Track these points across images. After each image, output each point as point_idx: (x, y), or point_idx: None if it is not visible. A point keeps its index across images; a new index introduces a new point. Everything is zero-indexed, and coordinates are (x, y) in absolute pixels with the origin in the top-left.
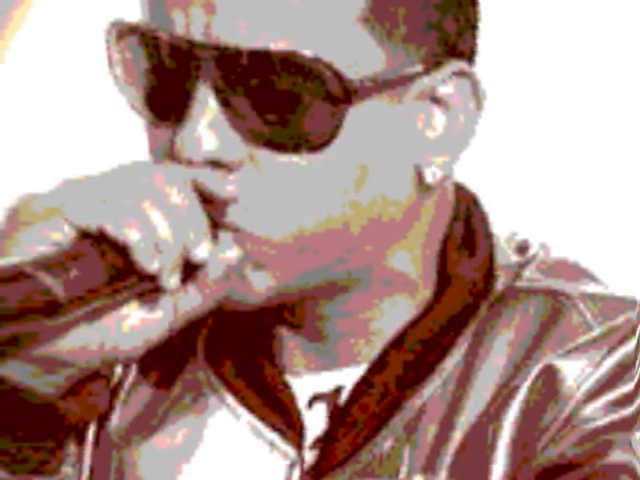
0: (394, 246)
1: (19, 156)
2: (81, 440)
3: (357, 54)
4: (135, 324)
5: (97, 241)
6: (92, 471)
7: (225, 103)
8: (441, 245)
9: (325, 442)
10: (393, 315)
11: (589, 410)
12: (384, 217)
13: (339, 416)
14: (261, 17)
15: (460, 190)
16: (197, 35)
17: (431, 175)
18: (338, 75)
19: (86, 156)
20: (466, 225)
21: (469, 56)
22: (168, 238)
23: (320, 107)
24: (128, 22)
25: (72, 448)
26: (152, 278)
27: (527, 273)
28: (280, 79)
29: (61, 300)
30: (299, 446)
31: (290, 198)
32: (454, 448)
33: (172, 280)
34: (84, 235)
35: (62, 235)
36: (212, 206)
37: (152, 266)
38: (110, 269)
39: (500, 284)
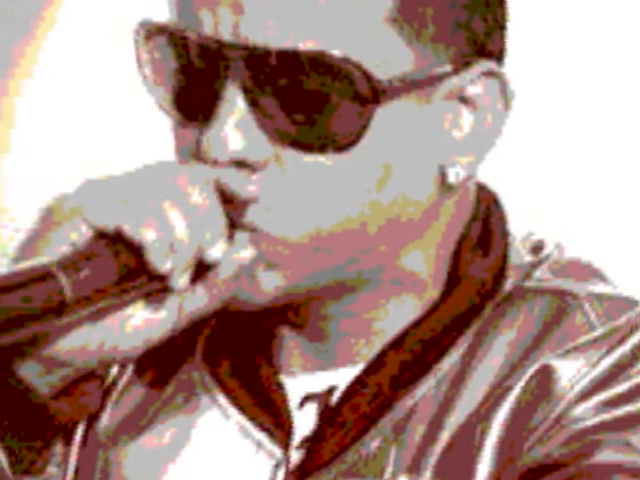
0: (409, 246)
1: (51, 155)
2: (68, 440)
3: (386, 54)
4: (138, 324)
5: (112, 241)
6: (77, 471)
7: (253, 103)
8: (456, 245)
9: (312, 442)
10: (398, 315)
11: (579, 410)
12: (402, 217)
13: (329, 416)
14: (289, 17)
15: (482, 190)
16: (226, 35)
17: (454, 175)
18: (367, 75)
19: (114, 156)
20: (484, 225)
21: (498, 56)
22: (184, 238)
23: (348, 107)
24: (156, 22)
25: (58, 448)
26: (161, 278)
27: (538, 273)
28: (309, 79)
29: (68, 300)
30: (286, 446)
31: (311, 198)
32: (441, 448)
33: (182, 280)
34: (100, 235)
35: (78, 235)
36: (232, 206)
37: (165, 266)
38: (122, 269)
39: (509, 284)
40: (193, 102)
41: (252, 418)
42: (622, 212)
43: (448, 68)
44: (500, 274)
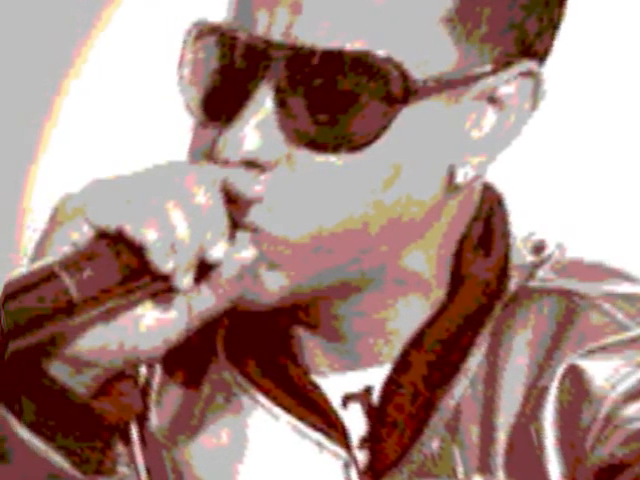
0: (410, 246)
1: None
2: (127, 440)
3: (430, 54)
4: (151, 324)
5: (114, 241)
6: (149, 471)
7: (281, 103)
8: (457, 245)
9: (371, 442)
10: (408, 315)
11: (632, 410)
12: (404, 217)
13: (377, 416)
14: (346, 17)
15: (487, 190)
16: (276, 35)
17: (462, 175)
18: (404, 75)
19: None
20: (485, 225)
21: (542, 56)
22: (185, 238)
23: (375, 107)
24: (210, 22)
25: (120, 448)
26: (165, 278)
27: (541, 273)
28: (345, 79)
29: (75, 300)
30: (347, 446)
31: (316, 198)
32: (502, 449)
33: (185, 280)
34: (101, 235)
35: (80, 235)
36: (235, 206)
37: (166, 266)
38: (124, 269)
39: (513, 284)
40: (221, 102)
41: (301, 418)
42: (624, 212)
43: (487, 68)
44: (503, 274)
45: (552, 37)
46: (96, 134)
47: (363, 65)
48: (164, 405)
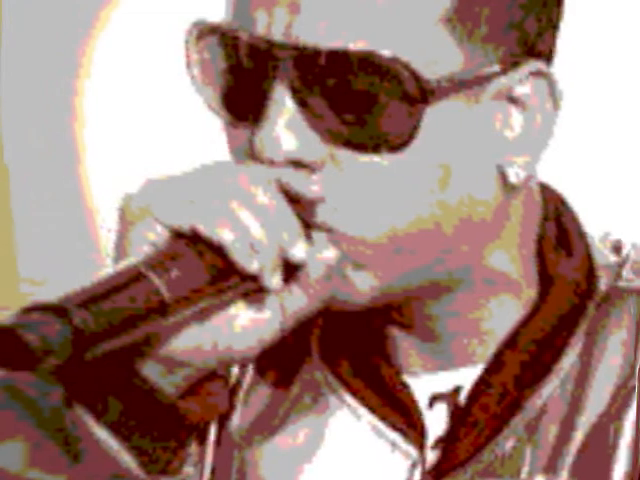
0: (490, 246)
1: (123, 152)
2: (203, 440)
3: (435, 54)
4: (246, 324)
5: (192, 241)
6: (213, 471)
7: (302, 103)
8: (537, 245)
9: (447, 442)
10: (501, 315)
11: None
12: (474, 217)
13: (460, 416)
14: (344, 17)
15: (546, 190)
16: (277, 35)
17: (514, 175)
18: (415, 75)
19: (166, 156)
20: (557, 225)
21: (547, 56)
22: (262, 238)
23: (397, 107)
24: (209, 22)
25: (193, 448)
26: (254, 278)
27: (624, 273)
28: (357, 79)
29: (167, 300)
30: (421, 446)
31: (375, 198)
32: (576, 448)
33: (274, 280)
34: (177, 235)
35: (155, 235)
36: (300, 206)
37: (252, 266)
38: (210, 269)
39: (603, 284)
40: (242, 102)
41: (383, 418)
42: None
43: (496, 68)
44: (591, 274)
45: (553, 37)
46: (125, 131)
47: (371, 65)
48: (250, 405)
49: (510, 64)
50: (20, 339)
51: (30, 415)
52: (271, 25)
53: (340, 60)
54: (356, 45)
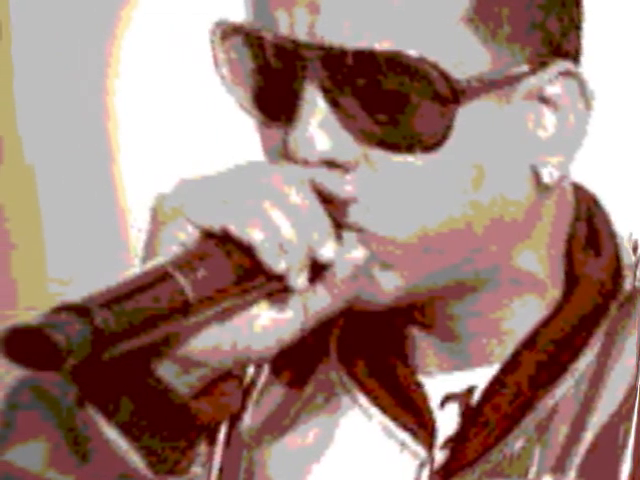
0: (519, 246)
1: (154, 151)
2: (212, 440)
3: (462, 54)
4: (266, 324)
5: (221, 241)
6: (221, 471)
7: (334, 103)
8: (566, 245)
9: (456, 442)
10: (523, 315)
11: None
12: (506, 217)
13: (471, 416)
14: (364, 17)
15: (579, 190)
16: (301, 35)
17: (548, 175)
18: (444, 75)
19: (199, 156)
20: (589, 225)
21: (574, 56)
22: (292, 238)
23: (429, 107)
24: (232, 22)
25: (202, 448)
26: (280, 278)
27: (638, 273)
28: (387, 79)
29: (191, 300)
30: (430, 446)
31: (409, 198)
32: (585, 448)
33: (300, 280)
34: (208, 235)
35: (186, 235)
36: (332, 206)
37: (279, 266)
38: (237, 269)
39: (628, 284)
40: (274, 102)
41: (394, 418)
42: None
43: (525, 68)
44: (617, 274)
45: (578, 37)
46: (156, 130)
47: (400, 65)
48: (262, 405)
49: (538, 64)
50: (48, 339)
51: (53, 415)
52: (293, 25)
53: (368, 60)
54: (382, 45)
